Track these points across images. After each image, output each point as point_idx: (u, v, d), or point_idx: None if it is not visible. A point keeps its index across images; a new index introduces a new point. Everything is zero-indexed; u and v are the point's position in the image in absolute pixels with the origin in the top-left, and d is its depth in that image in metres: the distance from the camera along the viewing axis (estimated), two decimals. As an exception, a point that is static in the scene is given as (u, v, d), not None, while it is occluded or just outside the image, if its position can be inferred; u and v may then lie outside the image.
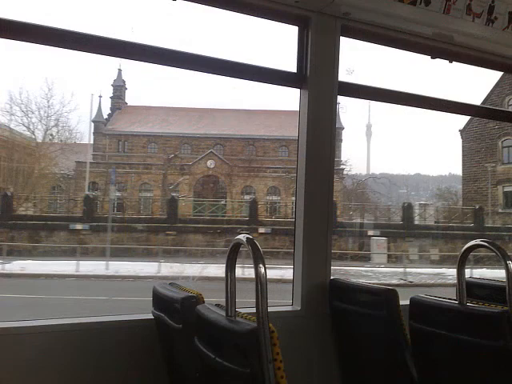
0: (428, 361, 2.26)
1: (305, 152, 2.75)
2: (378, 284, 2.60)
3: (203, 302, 1.94)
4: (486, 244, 2.19)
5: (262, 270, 1.52)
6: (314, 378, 2.69)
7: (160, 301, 2.17)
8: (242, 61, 2.69)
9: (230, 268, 1.73)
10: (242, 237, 1.63)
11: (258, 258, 1.54)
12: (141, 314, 2.40)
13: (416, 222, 25.99)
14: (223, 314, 1.68)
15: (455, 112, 3.60)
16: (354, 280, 2.75)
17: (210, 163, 29.56)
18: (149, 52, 2.46)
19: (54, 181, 27.89)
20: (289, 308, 2.77)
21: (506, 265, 2.09)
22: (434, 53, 3.20)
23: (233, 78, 2.81)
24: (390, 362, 2.39)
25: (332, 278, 2.75)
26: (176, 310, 1.95)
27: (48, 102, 31.07)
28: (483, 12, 2.88)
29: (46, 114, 28.19)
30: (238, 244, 1.67)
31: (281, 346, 1.50)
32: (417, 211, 26.84)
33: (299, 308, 2.70)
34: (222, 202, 28.47)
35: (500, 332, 1.97)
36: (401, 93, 3.19)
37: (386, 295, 2.33)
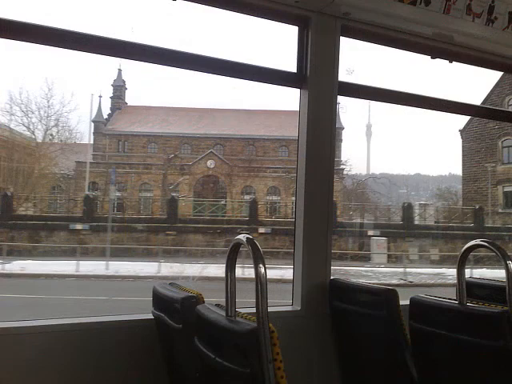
0: (428, 361, 2.26)
1: (305, 152, 2.74)
2: (378, 284, 2.59)
3: (203, 301, 1.94)
4: (486, 244, 2.19)
5: (262, 269, 1.52)
6: (314, 377, 2.68)
7: (160, 301, 2.16)
8: (241, 61, 2.69)
9: (230, 268, 1.73)
10: (242, 237, 1.63)
11: (258, 258, 1.54)
12: (141, 313, 2.40)
13: (416, 222, 25.99)
14: (223, 313, 1.68)
15: (455, 112, 3.60)
16: (353, 280, 2.75)
17: (210, 163, 29.56)
18: (149, 52, 2.46)
19: (54, 181, 27.89)
20: (289, 308, 2.76)
21: (506, 265, 2.09)
22: (434, 53, 3.20)
23: (233, 78, 2.81)
24: (390, 361, 2.39)
25: (332, 277, 2.75)
26: (176, 309, 1.95)
27: (48, 101, 31.10)
28: (483, 12, 2.88)
29: (45, 114, 28.22)
30: (238, 244, 1.67)
31: (281, 346, 1.50)
32: (417, 211, 26.83)
33: (299, 308, 2.70)
34: (222, 202, 28.47)
35: (500, 332, 1.96)
36: (401, 93, 3.19)
37: (386, 295, 2.33)
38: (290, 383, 1.52)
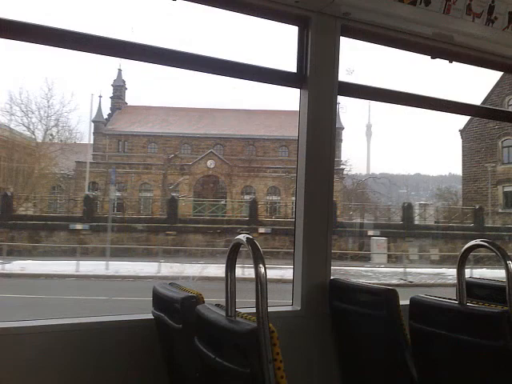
0: (428, 361, 2.26)
1: (305, 152, 2.74)
2: (377, 284, 2.59)
3: (203, 302, 1.93)
4: (486, 244, 2.19)
5: (262, 270, 1.52)
6: (314, 378, 2.68)
7: (160, 301, 2.16)
8: (241, 61, 2.69)
9: (230, 268, 1.73)
10: (242, 237, 1.62)
11: (258, 258, 1.53)
12: (141, 313, 2.40)
13: (416, 222, 25.98)
14: (223, 314, 1.67)
15: (455, 112, 3.60)
16: (354, 280, 2.75)
17: (210, 163, 29.55)
18: (149, 52, 2.45)
19: (54, 181, 27.88)
20: (289, 308, 2.76)
21: (506, 265, 2.08)
22: (434, 53, 3.20)
23: (233, 78, 2.81)
24: (390, 362, 2.39)
25: (332, 277, 2.75)
26: (176, 309, 1.95)
27: (48, 102, 31.08)
28: (483, 12, 2.88)
29: (45, 114, 28.20)
30: (238, 244, 1.67)
31: (281, 346, 1.49)
32: (417, 211, 26.82)
33: (299, 308, 2.69)
34: (222, 202, 28.45)
35: (500, 332, 1.96)
36: (401, 93, 3.18)
37: (386, 295, 2.33)
38: (289, 383, 1.51)
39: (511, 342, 1.95)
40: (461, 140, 32.03)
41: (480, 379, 2.09)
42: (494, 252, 2.13)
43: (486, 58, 3.33)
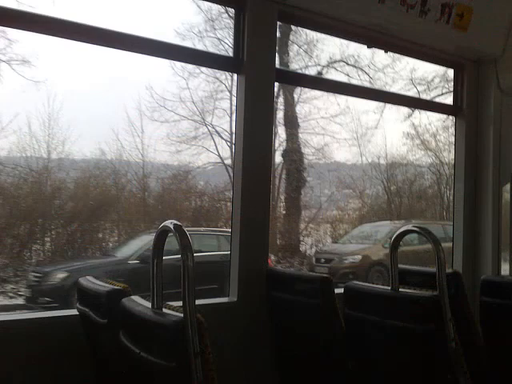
0: (363, 347, 2.27)
1: (242, 138, 2.68)
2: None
3: (130, 295, 1.83)
4: (417, 230, 2.23)
5: (190, 259, 1.44)
6: (250, 369, 2.63)
7: (84, 295, 2.04)
8: (178, 43, 2.59)
9: (157, 256, 1.63)
10: (169, 223, 1.53)
11: (185, 247, 1.46)
12: (65, 310, 2.25)
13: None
14: (150, 306, 1.58)
15: (392, 103, 3.67)
16: (290, 269, 2.73)
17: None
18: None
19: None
20: (225, 300, 2.69)
21: (437, 251, 2.12)
22: (370, 42, 3.24)
23: (169, 61, 2.72)
24: (326, 351, 2.38)
25: (268, 267, 2.70)
26: (101, 304, 1.84)
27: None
28: (417, 3, 2.94)
29: None
30: (165, 231, 1.58)
31: (216, 338, 1.43)
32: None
33: (236, 299, 2.62)
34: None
35: (430, 316, 1.99)
36: (340, 82, 3.20)
37: (321, 283, 2.32)
38: (224, 375, 1.45)
39: (441, 326, 1.98)
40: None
41: (411, 364, 2.11)
42: (425, 237, 2.16)
43: (419, 50, 3.41)
